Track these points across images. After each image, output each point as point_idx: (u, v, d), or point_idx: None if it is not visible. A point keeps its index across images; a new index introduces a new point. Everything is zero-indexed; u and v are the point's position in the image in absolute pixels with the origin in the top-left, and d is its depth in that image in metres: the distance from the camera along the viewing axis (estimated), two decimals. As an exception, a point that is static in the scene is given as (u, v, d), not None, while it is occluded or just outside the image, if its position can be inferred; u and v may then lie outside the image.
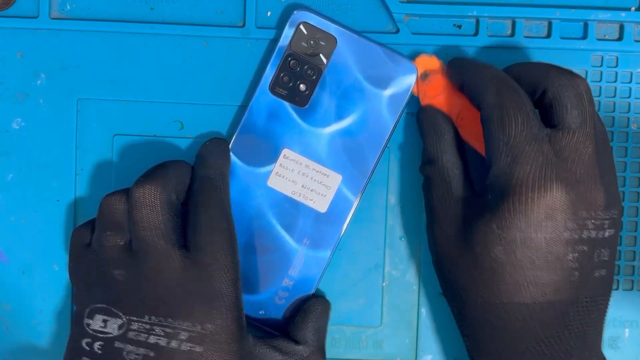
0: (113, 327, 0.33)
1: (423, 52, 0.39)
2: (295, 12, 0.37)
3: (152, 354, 0.32)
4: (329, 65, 0.37)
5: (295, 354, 0.36)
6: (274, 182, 0.38)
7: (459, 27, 0.40)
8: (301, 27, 0.37)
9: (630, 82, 0.40)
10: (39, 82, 0.40)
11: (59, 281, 0.40)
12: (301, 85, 0.38)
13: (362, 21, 0.40)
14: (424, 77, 0.38)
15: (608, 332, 0.40)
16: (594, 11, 0.39)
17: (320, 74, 0.37)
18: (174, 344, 0.32)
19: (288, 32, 0.37)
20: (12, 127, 0.40)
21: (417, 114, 0.38)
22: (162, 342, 0.33)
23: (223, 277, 0.33)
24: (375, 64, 0.37)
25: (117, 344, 0.33)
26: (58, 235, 0.40)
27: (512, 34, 0.40)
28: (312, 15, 0.37)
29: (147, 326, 0.33)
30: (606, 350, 0.38)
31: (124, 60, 0.39)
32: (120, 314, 0.33)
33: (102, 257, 0.34)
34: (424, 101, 0.38)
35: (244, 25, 0.40)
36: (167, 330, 0.33)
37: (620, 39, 0.40)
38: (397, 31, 0.39)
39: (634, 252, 0.40)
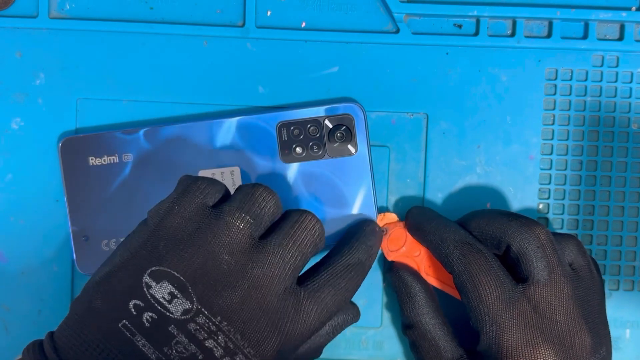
0: (178, 307, 0.29)
1: (423, 54, 0.39)
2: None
3: (200, 357, 0.29)
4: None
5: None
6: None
7: (460, 26, 0.40)
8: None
9: (631, 82, 0.40)
10: (38, 81, 0.39)
11: (58, 282, 0.40)
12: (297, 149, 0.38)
13: (363, 21, 0.39)
14: (383, 232, 0.38)
15: (608, 332, 0.40)
16: (595, 11, 0.39)
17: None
18: None
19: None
20: (12, 126, 0.40)
21: (387, 276, 0.39)
22: (218, 352, 0.29)
23: (306, 332, 0.31)
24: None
25: (172, 329, 0.29)
26: (58, 235, 0.40)
27: (513, 34, 0.40)
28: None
29: (214, 328, 0.29)
30: (607, 351, 0.38)
31: (124, 60, 0.39)
32: (194, 299, 0.29)
33: (224, 233, 0.30)
34: (389, 256, 0.38)
35: (243, 25, 0.39)
36: (229, 344, 0.29)
37: (621, 38, 0.40)
38: (398, 31, 0.39)
39: (634, 252, 0.40)
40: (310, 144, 0.38)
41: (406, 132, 0.40)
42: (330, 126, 0.38)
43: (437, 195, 0.40)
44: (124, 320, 0.29)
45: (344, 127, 0.38)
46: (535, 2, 0.39)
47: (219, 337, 0.29)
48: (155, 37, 0.39)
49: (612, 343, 0.36)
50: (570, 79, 0.40)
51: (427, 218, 0.37)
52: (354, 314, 0.37)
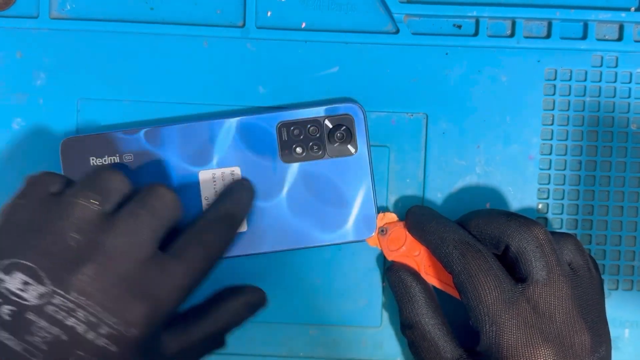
0: (32, 293, 0.29)
1: (423, 54, 0.39)
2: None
3: (64, 338, 0.29)
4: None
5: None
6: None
7: (459, 27, 0.40)
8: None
9: (630, 82, 0.40)
10: (38, 82, 0.39)
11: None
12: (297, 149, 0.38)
13: (362, 21, 0.40)
14: (382, 232, 0.38)
15: (607, 332, 0.40)
16: (594, 11, 0.39)
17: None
18: (90, 335, 0.29)
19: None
20: (12, 127, 0.40)
21: (386, 276, 0.38)
22: (80, 328, 0.29)
23: (177, 294, 0.32)
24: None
25: (30, 316, 0.29)
26: (58, 235, 0.40)
27: (512, 34, 0.40)
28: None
29: (71, 305, 0.29)
30: (606, 350, 0.39)
31: (124, 60, 0.39)
32: (47, 282, 0.29)
33: (69, 213, 0.31)
34: (389, 256, 0.38)
35: (244, 25, 0.40)
36: (91, 318, 0.29)
37: (620, 39, 0.40)
38: (397, 31, 0.39)
39: (634, 252, 0.40)
40: (310, 144, 0.38)
41: (406, 132, 0.40)
42: (330, 126, 0.38)
43: (437, 195, 0.40)
44: None
45: (344, 127, 0.38)
46: (535, 3, 0.39)
47: (79, 313, 0.29)
48: (155, 37, 0.39)
49: (611, 343, 0.36)
50: (570, 79, 0.40)
51: (426, 217, 0.37)
52: (259, 297, 0.36)
